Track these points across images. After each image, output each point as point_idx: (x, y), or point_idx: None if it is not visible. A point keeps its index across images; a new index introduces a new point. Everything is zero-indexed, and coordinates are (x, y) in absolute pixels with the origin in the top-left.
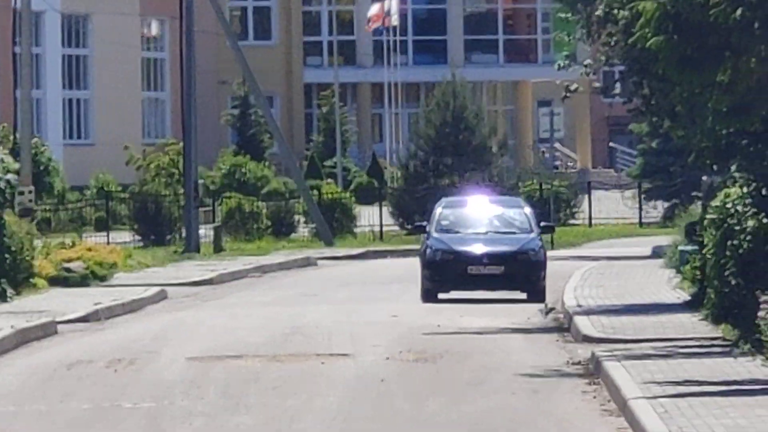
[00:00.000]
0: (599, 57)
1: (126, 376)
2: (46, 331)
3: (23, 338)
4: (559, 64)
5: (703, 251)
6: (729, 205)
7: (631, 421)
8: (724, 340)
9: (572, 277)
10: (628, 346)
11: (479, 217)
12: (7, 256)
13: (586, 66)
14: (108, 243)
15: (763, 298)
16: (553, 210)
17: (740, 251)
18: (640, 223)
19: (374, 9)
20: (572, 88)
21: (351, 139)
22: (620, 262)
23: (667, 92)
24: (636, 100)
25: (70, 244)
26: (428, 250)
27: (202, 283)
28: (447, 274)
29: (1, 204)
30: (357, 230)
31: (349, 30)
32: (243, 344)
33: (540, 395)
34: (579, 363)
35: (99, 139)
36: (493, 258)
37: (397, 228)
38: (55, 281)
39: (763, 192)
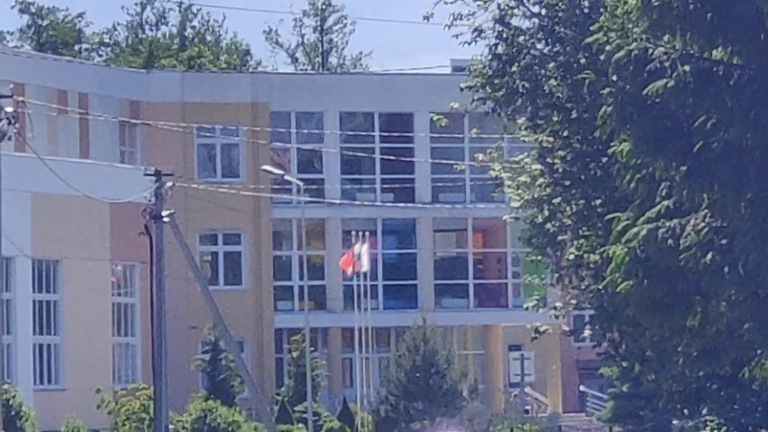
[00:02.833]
0: (569, 300)
1: None
2: None
3: None
4: (528, 306)
5: None
6: None
7: None
8: None
9: None
10: None
11: None
12: None
13: (555, 308)
14: None
15: None
16: None
17: None
18: None
19: (345, 255)
20: (542, 329)
21: (321, 383)
22: None
23: (637, 337)
24: (605, 344)
25: None
26: None
27: None
28: None
29: None
30: None
31: (319, 275)
32: None
33: None
34: None
35: (70, 384)
36: None
37: None
38: None
39: None
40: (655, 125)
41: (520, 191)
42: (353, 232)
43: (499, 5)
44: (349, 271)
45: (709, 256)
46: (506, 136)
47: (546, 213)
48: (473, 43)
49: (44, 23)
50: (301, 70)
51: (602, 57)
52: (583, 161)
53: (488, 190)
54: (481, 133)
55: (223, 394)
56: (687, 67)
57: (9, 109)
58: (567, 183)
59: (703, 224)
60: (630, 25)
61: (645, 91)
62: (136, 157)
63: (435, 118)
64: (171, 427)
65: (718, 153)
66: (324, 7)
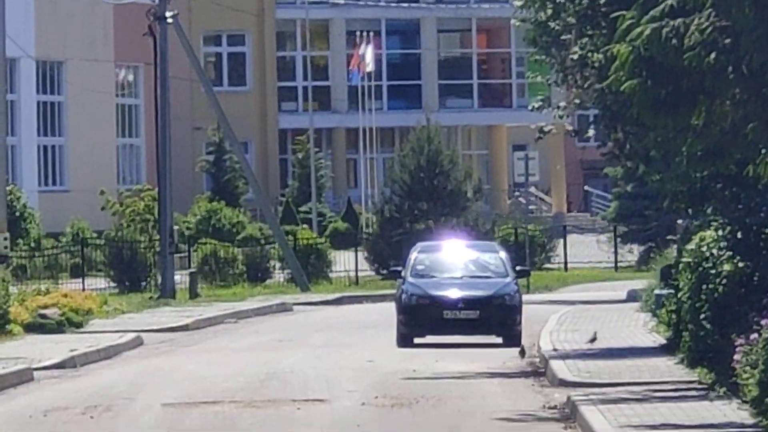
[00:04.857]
0: (573, 100)
1: (102, 423)
2: (22, 377)
3: None
4: (533, 106)
5: (679, 295)
6: (704, 249)
7: None
8: (700, 383)
9: (548, 322)
10: (604, 390)
11: (454, 261)
12: None
13: (559, 108)
14: (83, 289)
15: (739, 341)
16: (529, 254)
17: (715, 295)
18: (616, 267)
19: (353, 57)
20: (546, 129)
21: (326, 184)
22: (596, 306)
23: (641, 136)
24: (610, 144)
25: (46, 290)
26: (404, 295)
27: (177, 329)
28: (422, 318)
29: None
30: (332, 275)
31: (323, 75)
32: (219, 390)
33: None
34: (555, 407)
35: (74, 185)
36: (468, 302)
37: (372, 273)
38: (30, 328)
39: (738, 235)
40: None
41: None
42: (357, 33)
43: None
44: (353, 69)
45: (713, 55)
46: None
47: (549, 11)
48: None
49: None
50: None
51: None
52: None
53: None
54: None
55: (228, 195)
56: None
57: None
58: None
59: (707, 23)
60: None
61: None
62: None
63: None
64: (176, 228)
65: None
66: None
